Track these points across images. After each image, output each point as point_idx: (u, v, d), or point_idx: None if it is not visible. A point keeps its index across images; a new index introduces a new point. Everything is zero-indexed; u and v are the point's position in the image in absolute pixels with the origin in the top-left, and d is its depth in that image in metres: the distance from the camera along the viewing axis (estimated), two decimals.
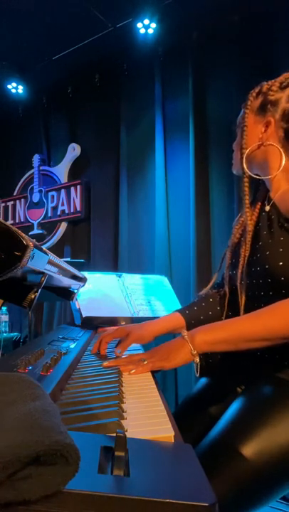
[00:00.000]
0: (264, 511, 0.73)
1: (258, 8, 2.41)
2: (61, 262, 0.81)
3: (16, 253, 0.49)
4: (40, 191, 3.57)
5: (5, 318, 2.63)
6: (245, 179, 0.93)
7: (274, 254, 0.82)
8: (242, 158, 0.92)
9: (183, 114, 2.75)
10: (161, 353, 0.78)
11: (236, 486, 0.67)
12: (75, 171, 3.44)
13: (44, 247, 0.65)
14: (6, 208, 3.84)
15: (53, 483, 0.26)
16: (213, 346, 0.77)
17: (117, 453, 0.32)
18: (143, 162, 2.97)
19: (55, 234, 3.45)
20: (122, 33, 2.72)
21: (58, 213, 3.42)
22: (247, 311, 0.87)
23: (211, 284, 1.07)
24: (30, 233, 3.51)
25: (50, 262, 0.68)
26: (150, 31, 2.66)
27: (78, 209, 3.30)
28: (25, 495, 0.25)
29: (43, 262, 0.63)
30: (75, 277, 1.03)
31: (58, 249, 3.37)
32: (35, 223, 3.58)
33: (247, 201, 0.93)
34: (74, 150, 3.34)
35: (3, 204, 3.85)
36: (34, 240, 0.55)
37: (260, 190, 0.99)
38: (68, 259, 3.03)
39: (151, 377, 0.73)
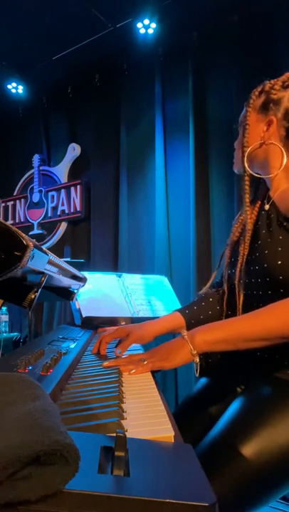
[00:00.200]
0: (264, 511, 0.73)
1: (258, 8, 2.41)
2: (61, 262, 0.81)
3: (16, 253, 0.49)
4: (40, 191, 3.57)
5: (5, 318, 2.63)
6: (246, 178, 0.93)
7: (272, 253, 0.82)
8: (243, 156, 0.92)
9: (183, 114, 2.74)
10: (161, 353, 0.78)
11: (236, 485, 0.67)
12: (75, 171, 3.44)
13: (44, 247, 0.65)
14: (6, 208, 3.84)
15: (53, 483, 0.26)
16: (213, 346, 0.77)
17: (117, 453, 0.32)
18: (143, 162, 2.97)
19: (55, 234, 3.45)
20: (122, 33, 2.72)
21: (58, 213, 3.42)
22: (245, 309, 0.87)
23: (209, 282, 1.07)
24: (30, 233, 3.51)
25: (50, 262, 0.68)
26: (150, 31, 2.66)
27: (78, 209, 3.30)
28: (25, 495, 0.25)
29: (43, 262, 0.63)
30: (75, 277, 1.03)
31: (58, 249, 3.37)
32: (35, 223, 3.58)
33: (247, 200, 0.93)
34: (74, 150, 3.34)
35: (3, 204, 3.85)
36: (34, 240, 0.55)
37: (260, 188, 0.99)
38: (68, 259, 3.03)
39: (151, 377, 0.73)
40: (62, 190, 3.40)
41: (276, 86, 0.90)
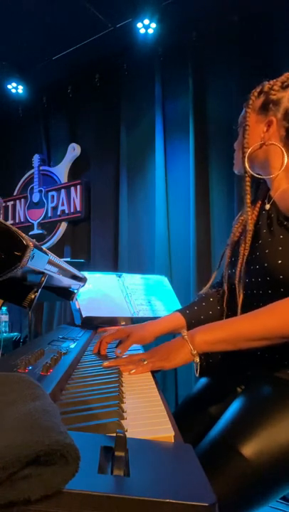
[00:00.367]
0: (264, 511, 0.73)
1: (258, 8, 2.41)
2: (61, 262, 0.81)
3: (16, 253, 0.49)
4: (40, 191, 3.57)
5: (5, 318, 2.63)
6: (247, 178, 0.93)
7: (273, 253, 0.82)
8: (244, 157, 0.92)
9: (183, 114, 2.75)
10: (161, 353, 0.78)
11: (236, 485, 0.67)
12: (75, 171, 3.44)
13: (44, 247, 0.65)
14: (6, 208, 3.84)
15: (53, 483, 0.26)
16: (213, 346, 0.77)
17: (117, 453, 0.32)
18: (143, 162, 2.97)
19: (55, 234, 3.45)
20: (122, 33, 2.72)
21: (58, 213, 3.42)
22: (245, 309, 0.87)
23: (210, 282, 1.07)
24: (30, 233, 3.51)
25: (50, 262, 0.68)
26: (150, 31, 2.66)
27: (78, 209, 3.30)
28: (25, 495, 0.25)
29: (43, 262, 0.63)
30: (75, 277, 1.03)
31: (58, 249, 3.37)
32: (35, 223, 3.58)
33: (248, 200, 0.93)
34: (74, 150, 3.34)
35: (4, 204, 3.85)
36: (34, 240, 0.55)
37: (260, 189, 0.99)
38: (68, 259, 3.03)
39: (151, 377, 0.73)
40: (62, 190, 3.40)
41: (275, 86, 0.90)
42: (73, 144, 3.34)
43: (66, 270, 0.88)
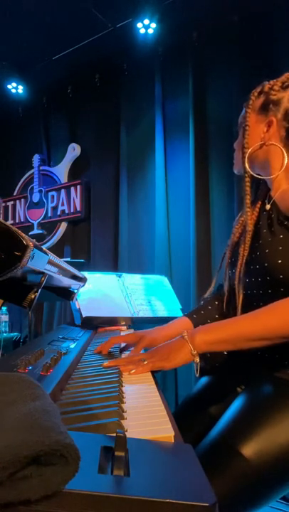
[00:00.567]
0: (264, 511, 0.74)
1: (258, 8, 2.41)
2: (61, 262, 0.81)
3: (16, 253, 0.49)
4: (40, 191, 3.57)
5: (5, 318, 2.63)
6: (247, 179, 0.93)
7: (273, 252, 0.82)
8: (244, 157, 0.92)
9: (183, 114, 2.75)
10: (161, 353, 0.78)
11: (236, 485, 0.67)
12: (75, 171, 3.44)
13: (44, 247, 0.65)
14: (6, 208, 3.84)
15: (53, 483, 0.26)
16: (213, 346, 0.77)
17: (117, 453, 0.32)
18: (143, 162, 2.97)
19: (55, 234, 3.45)
20: (122, 33, 2.72)
21: (58, 213, 3.42)
22: (246, 309, 0.87)
23: (212, 285, 1.07)
24: (30, 233, 3.51)
25: (50, 262, 0.68)
26: (150, 31, 2.66)
27: (78, 209, 3.30)
28: (26, 495, 0.25)
29: (43, 262, 0.63)
30: (75, 277, 1.03)
31: (58, 249, 3.37)
32: (35, 223, 3.58)
33: (248, 201, 0.93)
34: (74, 150, 3.34)
35: (4, 204, 3.85)
36: (34, 240, 0.55)
37: (260, 189, 0.99)
38: (68, 259, 3.03)
39: (151, 377, 0.73)
40: (62, 190, 3.40)
41: (275, 87, 0.90)
42: (73, 144, 3.34)
43: (66, 270, 0.88)
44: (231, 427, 0.74)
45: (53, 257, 0.70)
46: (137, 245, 2.94)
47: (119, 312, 1.46)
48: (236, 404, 0.79)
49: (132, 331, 1.34)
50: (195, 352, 0.76)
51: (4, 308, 2.57)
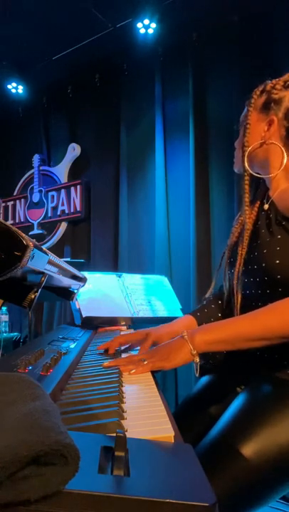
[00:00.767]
0: (264, 511, 0.73)
1: (258, 8, 2.41)
2: (61, 262, 0.81)
3: (16, 253, 0.49)
4: (40, 191, 3.57)
5: (5, 318, 2.63)
6: (246, 177, 0.93)
7: (271, 253, 0.82)
8: (244, 156, 0.92)
9: (183, 114, 2.75)
10: (161, 353, 0.78)
11: (236, 485, 0.67)
12: (75, 171, 3.44)
13: (44, 247, 0.65)
14: (6, 208, 3.84)
15: (53, 483, 0.26)
16: (213, 346, 0.77)
17: (117, 453, 0.32)
18: (143, 162, 2.97)
19: (55, 234, 3.45)
20: (122, 33, 2.72)
21: (58, 213, 3.42)
22: (244, 309, 0.87)
23: (212, 285, 1.07)
24: (30, 233, 3.51)
25: (50, 262, 0.68)
26: (150, 31, 2.66)
27: (78, 209, 3.30)
28: (25, 495, 0.25)
29: (43, 262, 0.63)
30: (75, 277, 1.03)
31: (58, 249, 3.37)
32: (35, 223, 3.58)
33: (247, 199, 0.93)
34: (74, 150, 3.34)
35: (4, 204, 3.85)
36: (34, 240, 0.55)
37: (260, 189, 0.99)
38: (68, 259, 3.03)
39: (151, 377, 0.73)
40: (62, 190, 3.40)
41: (277, 86, 0.90)
42: (73, 144, 3.34)
43: (66, 270, 0.88)
44: (231, 426, 0.74)
45: (53, 257, 0.70)
46: (137, 245, 2.94)
47: (119, 312, 1.46)
48: (236, 404, 0.79)
49: (131, 331, 1.34)
50: (195, 352, 0.76)
51: (4, 308, 2.57)
